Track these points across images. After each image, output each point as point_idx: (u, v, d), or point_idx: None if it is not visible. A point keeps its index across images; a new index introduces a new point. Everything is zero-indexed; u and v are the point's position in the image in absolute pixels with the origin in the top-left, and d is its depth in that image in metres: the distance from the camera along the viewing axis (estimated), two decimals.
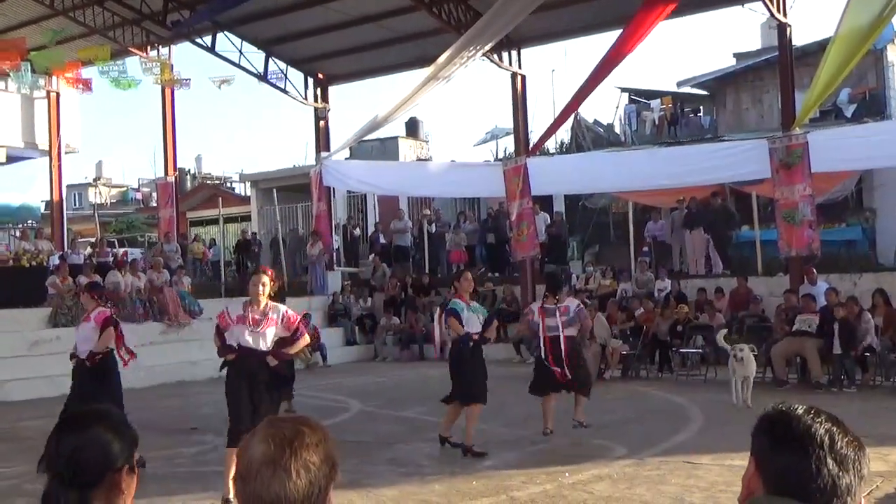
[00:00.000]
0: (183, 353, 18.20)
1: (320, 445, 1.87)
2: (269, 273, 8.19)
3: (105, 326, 9.74)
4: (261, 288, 7.84)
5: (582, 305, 11.31)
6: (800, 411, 1.84)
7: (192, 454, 10.15)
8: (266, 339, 7.85)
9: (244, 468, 1.87)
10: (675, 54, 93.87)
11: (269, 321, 7.84)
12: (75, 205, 46.87)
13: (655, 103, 30.48)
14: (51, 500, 2.12)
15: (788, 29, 17.45)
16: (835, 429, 1.81)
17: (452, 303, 9.80)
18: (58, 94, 25.05)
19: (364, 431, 11.27)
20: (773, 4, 17.05)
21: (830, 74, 15.02)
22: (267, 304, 7.87)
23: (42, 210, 30.58)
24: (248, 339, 7.81)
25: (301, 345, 8.39)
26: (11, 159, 26.72)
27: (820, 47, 19.02)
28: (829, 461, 1.77)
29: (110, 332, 9.76)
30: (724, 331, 13.87)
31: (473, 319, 9.63)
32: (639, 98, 31.68)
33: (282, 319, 7.89)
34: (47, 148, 25.59)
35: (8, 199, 28.40)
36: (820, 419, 1.82)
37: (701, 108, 31.37)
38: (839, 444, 1.79)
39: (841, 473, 1.77)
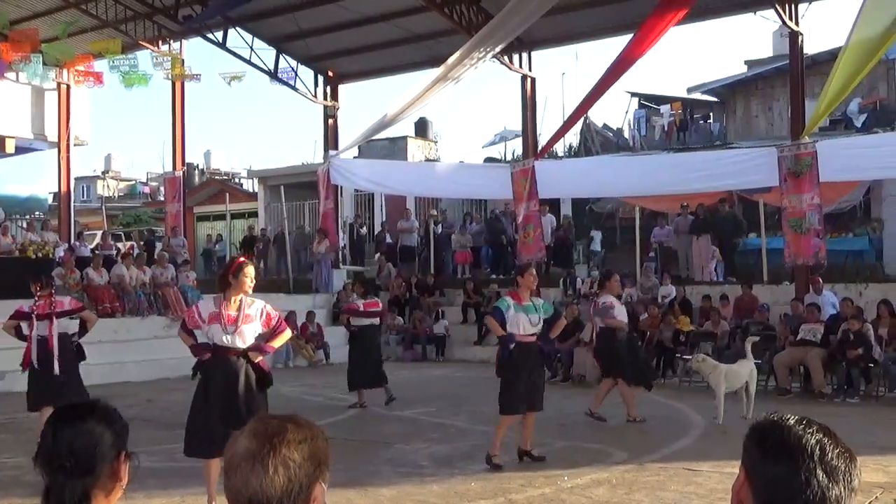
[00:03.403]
0: (186, 347, 18.18)
1: (304, 443, 1.87)
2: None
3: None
4: (250, 280, 7.33)
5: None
6: (791, 421, 1.83)
7: None
8: (245, 336, 7.32)
9: (227, 462, 1.90)
10: (686, 60, 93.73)
11: (246, 318, 7.32)
12: (83, 197, 46.94)
13: (665, 109, 30.50)
14: (55, 492, 2.16)
15: (800, 37, 17.42)
16: (826, 440, 1.80)
17: (500, 301, 9.30)
18: (68, 87, 25.10)
19: (365, 430, 11.27)
20: (784, 13, 17.03)
21: (841, 84, 14.99)
22: (244, 300, 7.35)
23: (50, 202, 30.68)
24: (225, 339, 7.27)
25: (284, 338, 7.85)
26: (20, 150, 26.76)
27: (831, 56, 18.99)
28: (819, 472, 1.75)
29: (8, 322, 9.97)
30: (755, 339, 13.37)
31: (522, 320, 8.92)
32: (648, 103, 31.69)
33: (260, 315, 7.43)
34: (56, 140, 25.63)
35: (16, 190, 28.52)
36: (811, 430, 1.81)
37: (711, 114, 31.36)
38: (830, 455, 1.78)
39: (830, 485, 1.76)
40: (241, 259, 7.89)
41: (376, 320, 13.94)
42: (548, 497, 7.73)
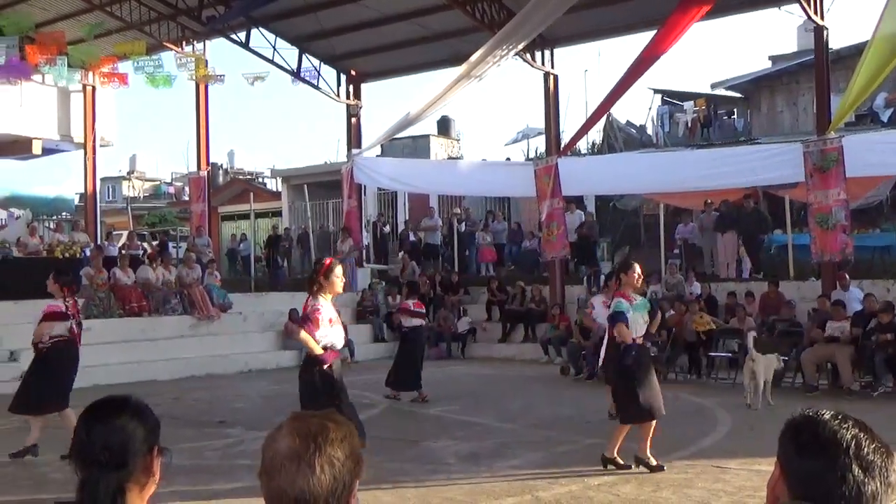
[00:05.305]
0: (212, 346, 18.35)
1: (345, 441, 1.88)
2: None
3: (44, 318, 9.71)
4: (340, 281, 7.34)
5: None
6: (827, 416, 1.83)
7: (220, 447, 10.21)
8: None
9: (268, 462, 1.88)
10: (710, 56, 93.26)
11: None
12: (109, 198, 47.28)
13: (688, 105, 30.33)
14: (91, 485, 2.19)
15: (825, 31, 17.27)
16: (862, 435, 1.79)
17: (616, 304, 8.61)
18: (93, 88, 25.27)
19: (391, 428, 11.28)
20: (809, 7, 16.89)
21: (867, 78, 14.87)
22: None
23: (76, 202, 30.88)
24: (340, 342, 7.35)
25: None
26: (47, 151, 26.94)
27: (857, 51, 18.83)
28: (855, 467, 1.75)
29: (43, 326, 9.68)
30: (752, 333, 13.63)
31: (638, 321, 8.47)
32: (672, 99, 31.53)
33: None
34: (82, 141, 25.81)
35: (43, 191, 28.71)
36: (847, 425, 1.81)
37: (735, 110, 31.18)
38: (865, 450, 1.77)
39: (867, 480, 1.75)
40: (330, 259, 7.86)
41: (423, 321, 14.15)
42: (575, 494, 7.72)
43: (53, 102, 25.82)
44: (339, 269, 7.39)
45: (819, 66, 17.52)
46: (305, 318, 7.37)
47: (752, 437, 9.95)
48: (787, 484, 1.82)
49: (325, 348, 7.40)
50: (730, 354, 15.58)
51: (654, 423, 8.49)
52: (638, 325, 8.48)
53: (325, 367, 7.33)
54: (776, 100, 28.38)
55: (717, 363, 15.86)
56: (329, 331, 7.31)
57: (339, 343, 7.41)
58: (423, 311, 14.42)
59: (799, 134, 22.41)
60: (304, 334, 7.37)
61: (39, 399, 9.59)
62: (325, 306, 7.35)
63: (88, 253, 19.57)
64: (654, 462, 8.47)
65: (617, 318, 8.49)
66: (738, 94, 30.52)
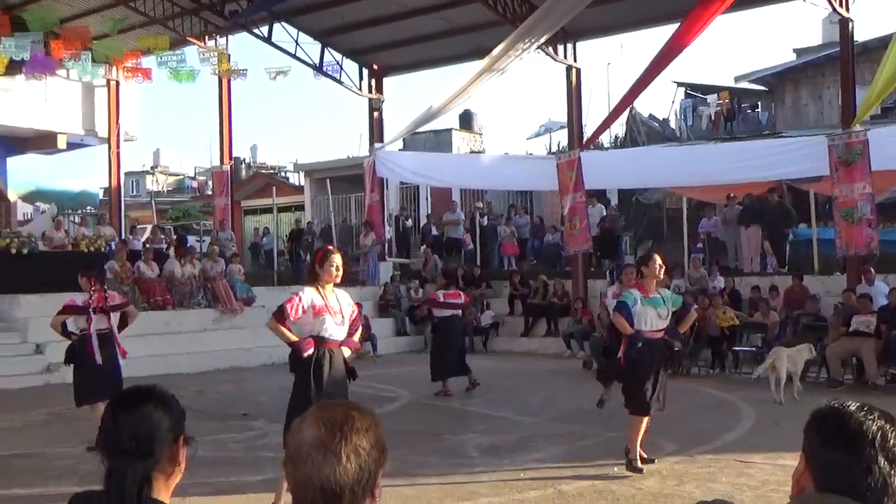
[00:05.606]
0: (236, 339, 18.44)
1: (370, 430, 1.89)
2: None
3: (59, 312, 9.80)
4: (336, 269, 7.06)
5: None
6: (852, 408, 1.82)
7: (244, 439, 10.27)
8: (346, 329, 7.15)
9: (294, 451, 1.89)
10: (734, 49, 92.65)
11: (344, 310, 7.13)
12: (133, 192, 47.58)
13: (712, 98, 30.18)
14: (118, 474, 2.21)
15: (850, 24, 17.12)
16: (888, 426, 1.79)
17: (624, 295, 8.54)
18: (117, 83, 25.44)
19: (413, 421, 11.31)
20: None
21: (892, 71, 14.74)
22: (337, 291, 7.13)
23: (101, 197, 31.14)
24: (337, 331, 7.05)
25: (359, 333, 7.55)
26: (71, 146, 27.19)
27: (882, 43, 18.66)
28: (881, 459, 1.74)
29: (56, 319, 9.78)
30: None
31: (650, 314, 8.25)
32: (695, 93, 31.38)
33: (350, 308, 7.20)
34: (106, 136, 26.00)
35: (68, 185, 28.97)
36: (872, 416, 1.80)
37: (759, 103, 30.98)
38: (892, 441, 1.76)
39: (893, 472, 1.75)
40: (327, 247, 7.64)
41: (458, 311, 14.07)
42: (597, 488, 7.72)
43: (78, 97, 26.02)
44: (335, 258, 7.10)
45: (844, 58, 17.38)
46: (279, 309, 7.13)
47: (776, 432, 9.90)
48: (813, 476, 1.82)
49: (306, 338, 7.08)
50: (754, 349, 15.51)
51: (646, 418, 8.38)
52: (648, 318, 8.26)
53: (305, 355, 7.00)
54: (801, 93, 28.18)
55: (741, 357, 15.79)
56: (309, 319, 7.00)
57: (329, 332, 7.05)
58: (458, 301, 14.11)
59: (824, 127, 22.23)
60: (271, 324, 7.14)
61: (77, 392, 9.70)
62: (310, 294, 7.05)
63: (113, 247, 19.70)
64: (636, 464, 8.34)
65: (617, 307, 8.51)
66: (763, 87, 30.32)
